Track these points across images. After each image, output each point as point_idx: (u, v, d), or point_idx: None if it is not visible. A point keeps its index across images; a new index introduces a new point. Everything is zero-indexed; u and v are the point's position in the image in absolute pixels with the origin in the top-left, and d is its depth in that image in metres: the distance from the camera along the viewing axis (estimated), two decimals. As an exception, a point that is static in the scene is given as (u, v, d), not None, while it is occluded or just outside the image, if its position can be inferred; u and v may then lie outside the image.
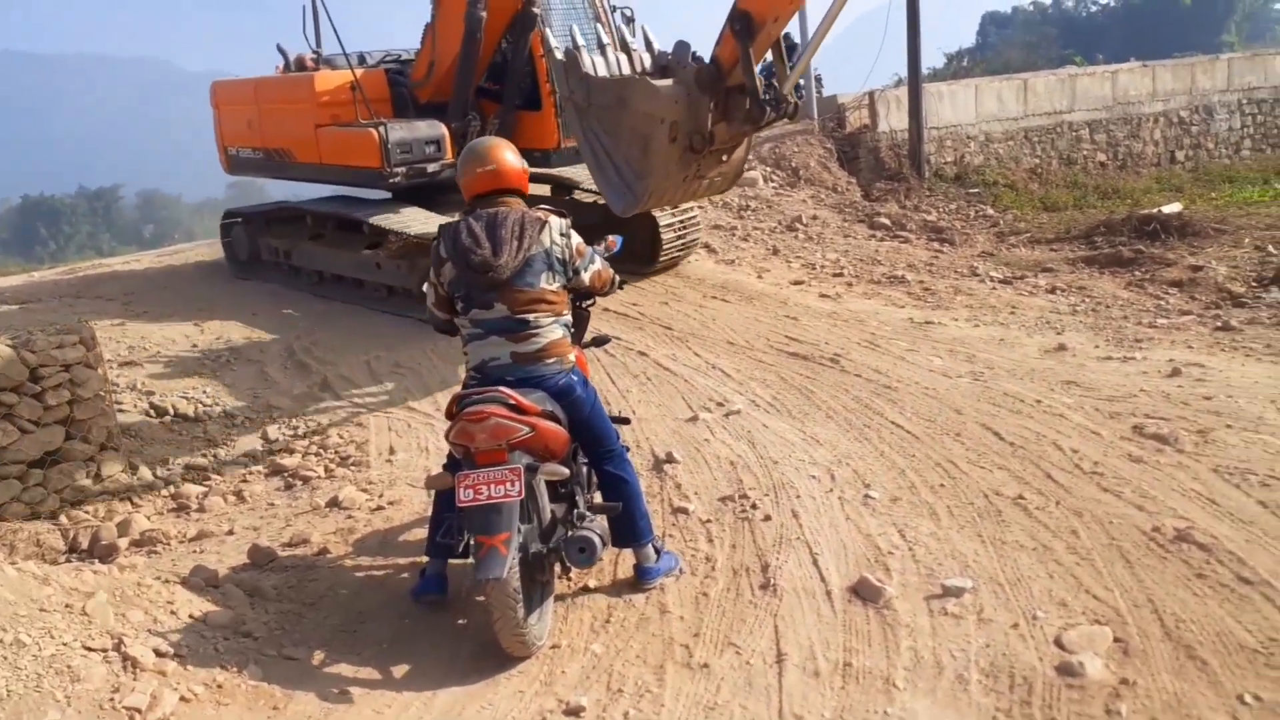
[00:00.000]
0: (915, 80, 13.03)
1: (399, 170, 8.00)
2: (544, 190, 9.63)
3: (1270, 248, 9.03)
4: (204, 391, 6.63)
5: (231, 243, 10.27)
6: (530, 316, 3.70)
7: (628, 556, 4.03)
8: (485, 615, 3.61)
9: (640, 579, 3.93)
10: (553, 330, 3.75)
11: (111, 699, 3.11)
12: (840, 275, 9.23)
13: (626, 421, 4.20)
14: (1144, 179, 14.50)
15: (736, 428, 5.52)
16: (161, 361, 7.18)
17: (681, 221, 8.94)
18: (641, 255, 8.96)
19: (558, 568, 3.75)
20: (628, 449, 4.10)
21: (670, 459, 5.11)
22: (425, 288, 4.00)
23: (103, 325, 7.66)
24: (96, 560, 4.57)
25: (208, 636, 3.56)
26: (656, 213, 8.28)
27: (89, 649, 3.26)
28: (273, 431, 6.09)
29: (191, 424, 6.19)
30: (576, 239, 3.86)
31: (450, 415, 3.61)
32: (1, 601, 3.29)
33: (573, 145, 8.23)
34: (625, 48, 6.44)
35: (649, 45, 6.51)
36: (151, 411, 6.26)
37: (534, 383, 3.67)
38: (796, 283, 8.99)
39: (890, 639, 3.45)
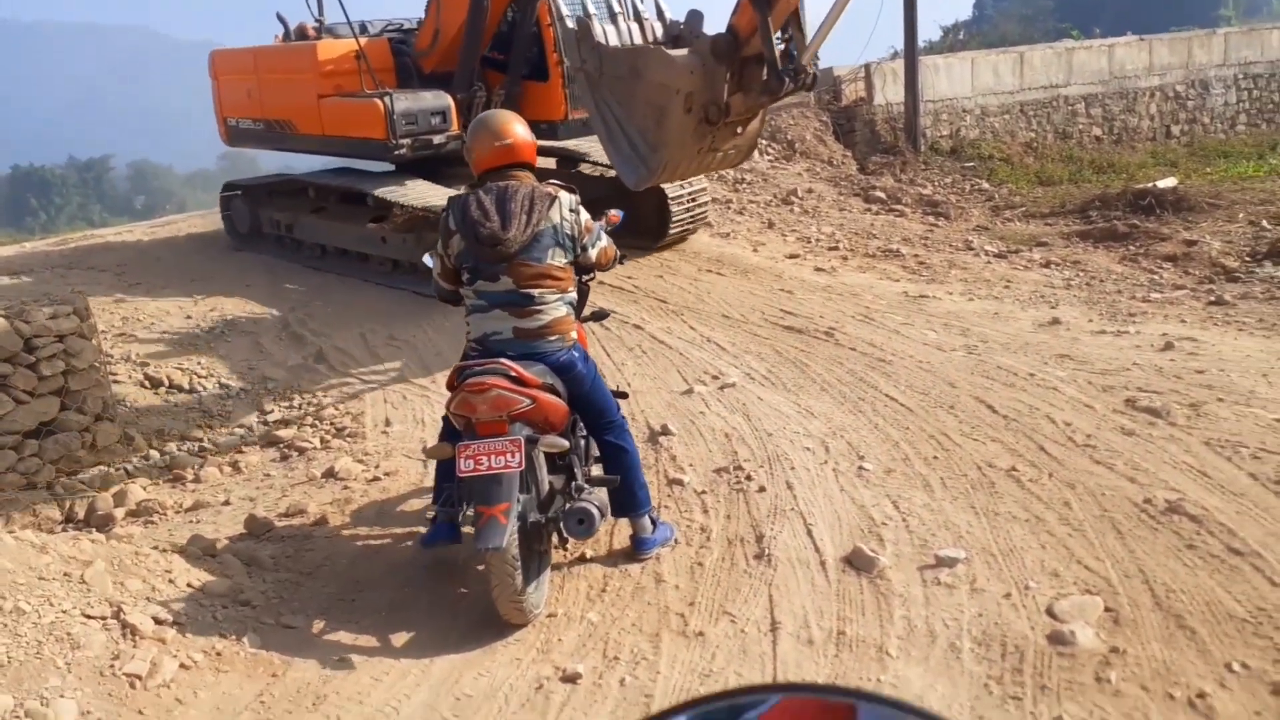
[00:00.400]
0: (911, 53, 12.96)
1: (404, 142, 7.83)
2: (550, 163, 9.53)
3: (1264, 222, 9.04)
4: (199, 363, 6.62)
5: (231, 215, 10.08)
6: (536, 292, 3.70)
7: (624, 527, 4.06)
8: (483, 584, 3.64)
9: (637, 549, 3.96)
10: (557, 307, 3.76)
11: (112, 666, 3.13)
12: (835, 249, 9.22)
13: (624, 396, 4.22)
14: (1139, 153, 14.46)
15: (731, 400, 5.54)
16: (156, 333, 7.16)
17: (690, 195, 8.81)
18: (648, 229, 8.85)
19: (555, 538, 3.78)
20: (628, 419, 4.12)
21: (665, 431, 5.13)
22: (428, 258, 4.01)
23: (96, 296, 7.63)
24: (93, 530, 4.59)
25: (206, 605, 3.59)
26: (665, 186, 8.14)
27: (88, 616, 3.28)
28: (268, 403, 6.09)
29: (186, 395, 6.19)
30: (585, 215, 3.86)
31: (451, 386, 3.62)
32: (0, 570, 3.30)
33: (580, 117, 8.10)
34: (637, 17, 6.39)
35: (660, 14, 6.45)
36: (146, 382, 6.25)
37: (534, 358, 3.68)
38: (792, 256, 8.99)
39: (884, 608, 3.49)
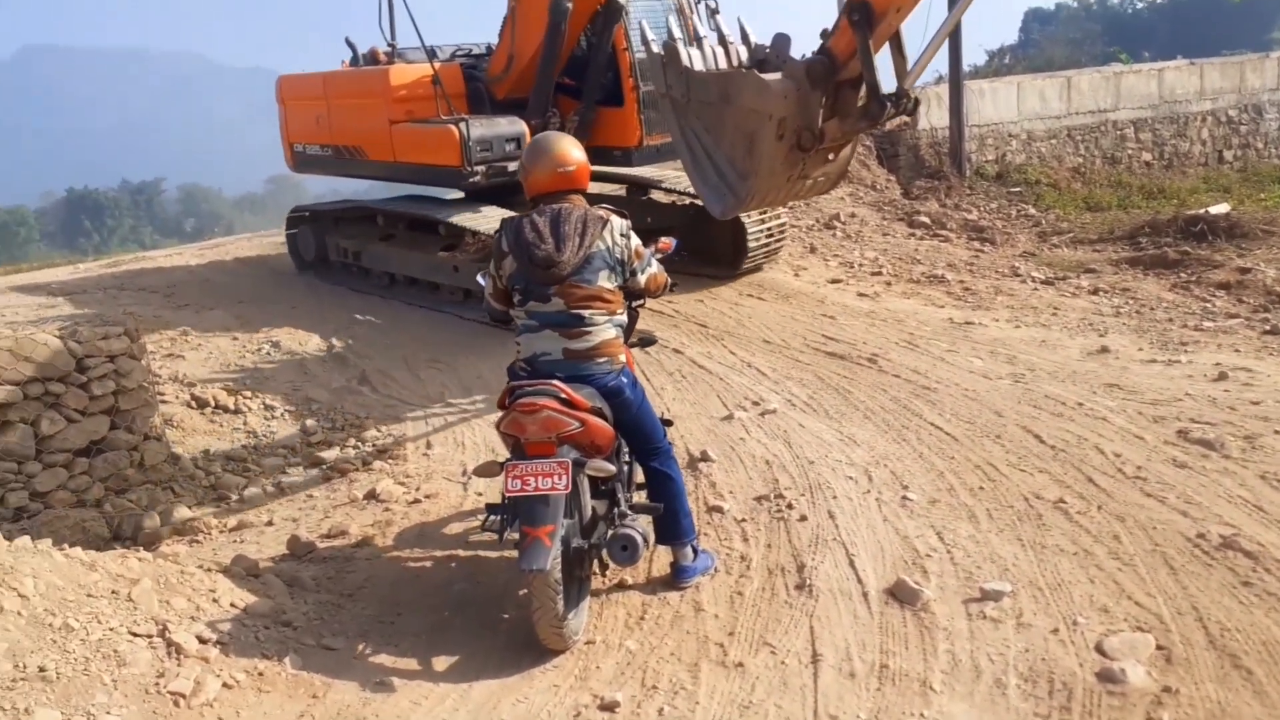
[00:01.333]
0: (956, 77, 12.89)
1: (478, 169, 7.71)
2: (619, 190, 9.48)
3: (1320, 250, 8.83)
4: (244, 384, 6.72)
5: (297, 242, 9.97)
6: (586, 313, 3.72)
7: (663, 554, 4.04)
8: (522, 609, 3.64)
9: (676, 577, 3.93)
10: (606, 329, 3.77)
11: (157, 684, 3.16)
12: (879, 274, 9.16)
13: (670, 424, 4.21)
14: (1190, 179, 14.23)
15: (772, 427, 5.50)
16: (203, 354, 7.28)
17: (768, 225, 8.60)
18: (723, 259, 8.70)
19: (596, 564, 3.77)
20: (673, 445, 4.11)
21: (705, 457, 5.11)
22: (481, 278, 4.04)
23: (146, 318, 7.79)
24: (140, 548, 4.65)
25: (249, 625, 3.61)
26: (741, 215, 7.84)
27: (135, 634, 3.31)
28: (311, 424, 6.15)
29: (232, 415, 6.28)
30: (636, 241, 3.87)
31: (502, 405, 3.64)
32: (50, 586, 3.35)
33: (655, 143, 8.15)
34: (722, 40, 6.18)
35: (745, 38, 6.21)
36: (193, 403, 6.35)
37: (583, 380, 3.69)
38: (834, 281, 8.93)
39: (927, 641, 3.43)
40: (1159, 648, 3.29)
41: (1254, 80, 15.82)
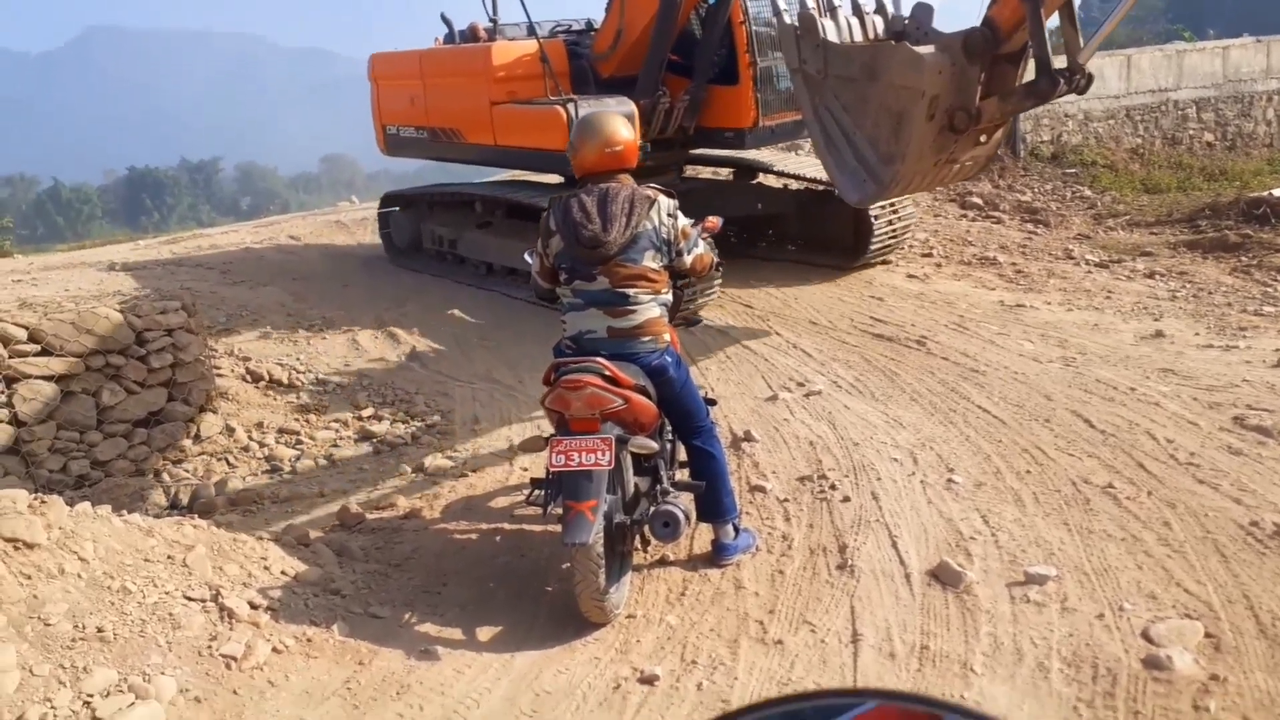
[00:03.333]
0: (1013, 56, 12.64)
1: None
2: (726, 175, 9.31)
3: (1390, 234, 8.55)
4: (297, 359, 6.85)
5: (389, 229, 9.56)
6: (631, 292, 3.74)
7: (704, 531, 4.06)
8: (565, 582, 3.68)
9: (717, 555, 3.95)
10: (650, 308, 3.78)
11: (209, 646, 3.26)
12: (929, 255, 9.04)
13: (714, 403, 4.22)
14: (1254, 160, 13.83)
15: (817, 408, 5.48)
16: (258, 329, 7.43)
17: (893, 212, 7.98)
18: (842, 248, 8.24)
19: (638, 540, 3.80)
20: (716, 425, 4.12)
21: (749, 437, 5.11)
22: (529, 256, 4.08)
23: (202, 293, 7.96)
24: (196, 516, 4.78)
25: (298, 592, 3.70)
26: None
27: (189, 598, 3.42)
28: (362, 399, 6.26)
29: (285, 390, 6.40)
30: (683, 221, 3.87)
31: (547, 381, 3.68)
32: (109, 550, 3.46)
33: (771, 125, 7.66)
34: (857, 10, 5.72)
35: (881, 8, 5.77)
36: (248, 376, 6.48)
37: (628, 358, 3.72)
38: (883, 262, 8.84)
39: (969, 624, 3.41)
40: (1208, 635, 3.24)
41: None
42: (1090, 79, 4.94)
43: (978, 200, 11.09)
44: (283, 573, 3.82)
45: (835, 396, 5.65)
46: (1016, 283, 8.07)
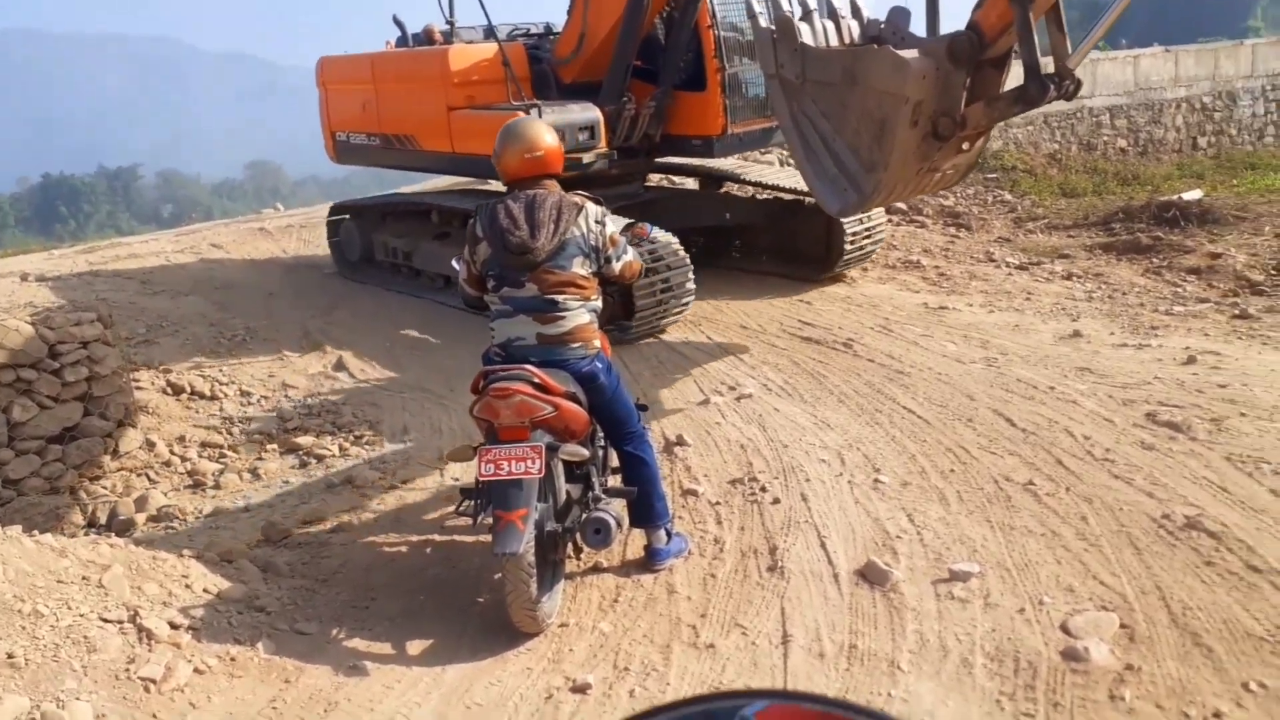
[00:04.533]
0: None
1: None
2: (690, 183, 9.17)
3: (1291, 236, 8.94)
4: (220, 370, 6.69)
5: (339, 240, 9.20)
6: (559, 298, 3.73)
7: (637, 537, 4.06)
8: (496, 592, 3.66)
9: (650, 560, 3.96)
10: (580, 314, 3.78)
11: (127, 669, 3.17)
12: (855, 260, 9.18)
13: (645, 408, 4.23)
14: (1165, 165, 14.36)
15: (747, 411, 5.53)
16: (179, 340, 7.24)
17: (866, 224, 7.85)
18: (810, 259, 8.11)
19: (570, 548, 3.79)
20: (648, 430, 4.13)
21: (681, 441, 5.13)
22: (456, 263, 4.04)
23: (120, 304, 7.74)
24: (114, 534, 4.64)
25: (221, 610, 3.61)
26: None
27: (105, 620, 3.31)
28: (287, 410, 6.14)
29: (207, 401, 6.25)
30: (611, 228, 3.87)
31: (475, 390, 3.65)
32: (20, 572, 3.34)
33: (739, 132, 7.51)
34: (833, 14, 5.58)
35: (857, 11, 5.61)
36: (169, 389, 6.32)
37: (558, 365, 3.71)
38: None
39: (896, 622, 3.47)
40: (1122, 626, 3.34)
41: (1228, 68, 15.95)
42: (1079, 84, 4.84)
43: (901, 205, 11.30)
44: (205, 591, 3.73)
45: (765, 399, 5.70)
46: (940, 285, 8.25)
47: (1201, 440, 4.69)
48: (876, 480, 4.57)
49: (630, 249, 4.03)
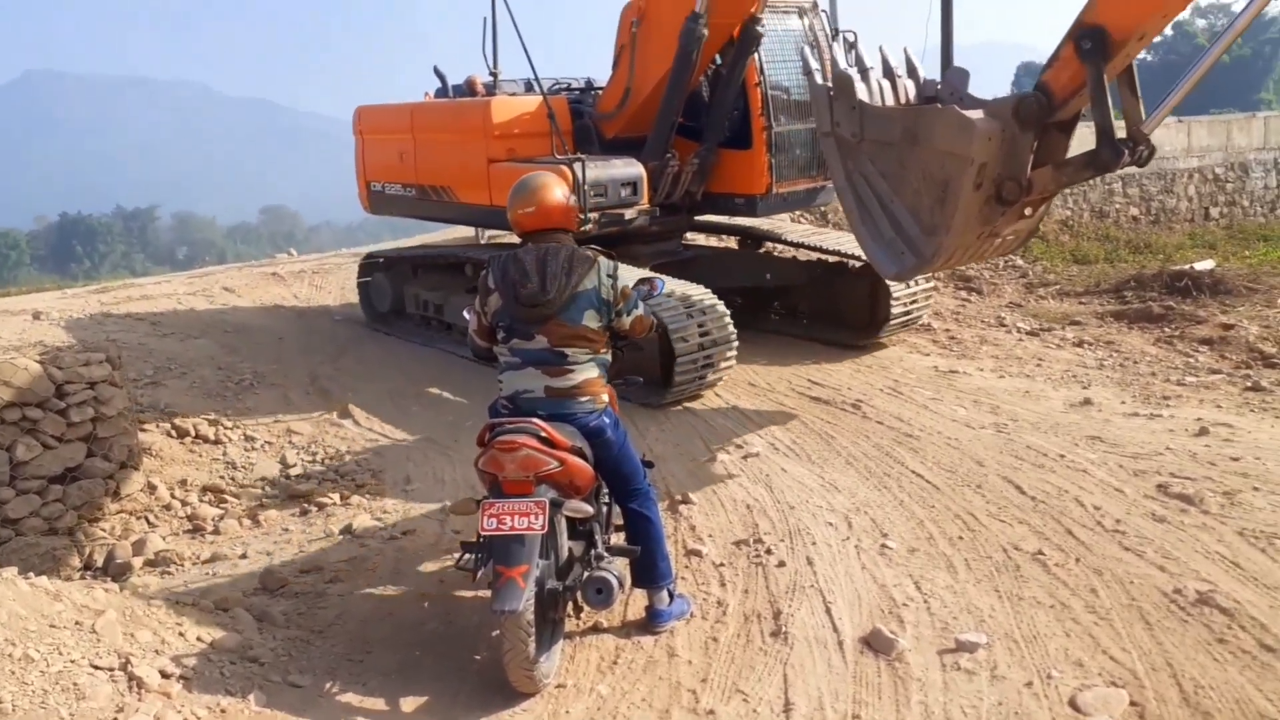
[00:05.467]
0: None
1: (591, 216, 6.79)
2: (732, 243, 9.02)
3: (1303, 308, 8.91)
4: (225, 414, 6.68)
5: (369, 291, 9.07)
6: (569, 351, 3.72)
7: (639, 597, 4.00)
8: (494, 650, 3.59)
9: (652, 621, 3.90)
10: (589, 368, 3.76)
11: (115, 719, 3.10)
12: (865, 320, 9.16)
13: (651, 465, 4.19)
14: (1177, 235, 14.40)
15: (754, 471, 5.48)
16: (186, 382, 7.24)
17: (913, 288, 7.63)
18: (855, 324, 7.89)
19: (570, 606, 3.73)
20: (654, 487, 4.09)
21: (686, 500, 5.08)
22: (467, 313, 4.04)
23: (129, 345, 7.76)
24: (110, 578, 4.60)
25: (214, 660, 3.55)
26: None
27: (96, 667, 3.26)
28: (291, 457, 6.11)
29: (211, 446, 6.23)
30: (623, 282, 3.87)
31: (481, 442, 3.62)
32: (12, 615, 3.30)
33: (784, 192, 7.44)
34: (889, 73, 5.46)
35: (913, 70, 5.49)
36: (173, 432, 6.30)
37: (565, 419, 3.68)
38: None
39: (901, 692, 3.39)
40: (1133, 704, 3.27)
41: (1240, 139, 16.07)
42: (1153, 150, 4.71)
43: (913, 267, 11.32)
44: (198, 639, 3.67)
45: (772, 459, 5.65)
46: (950, 349, 8.22)
47: (1214, 514, 4.62)
48: (884, 545, 4.51)
49: (641, 304, 4.03)
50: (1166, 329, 8.58)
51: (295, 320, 9.33)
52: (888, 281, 7.14)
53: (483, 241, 9.34)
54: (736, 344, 6.70)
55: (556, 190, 3.89)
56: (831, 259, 8.02)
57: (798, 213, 10.15)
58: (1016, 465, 5.38)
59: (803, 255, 8.50)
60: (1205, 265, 10.90)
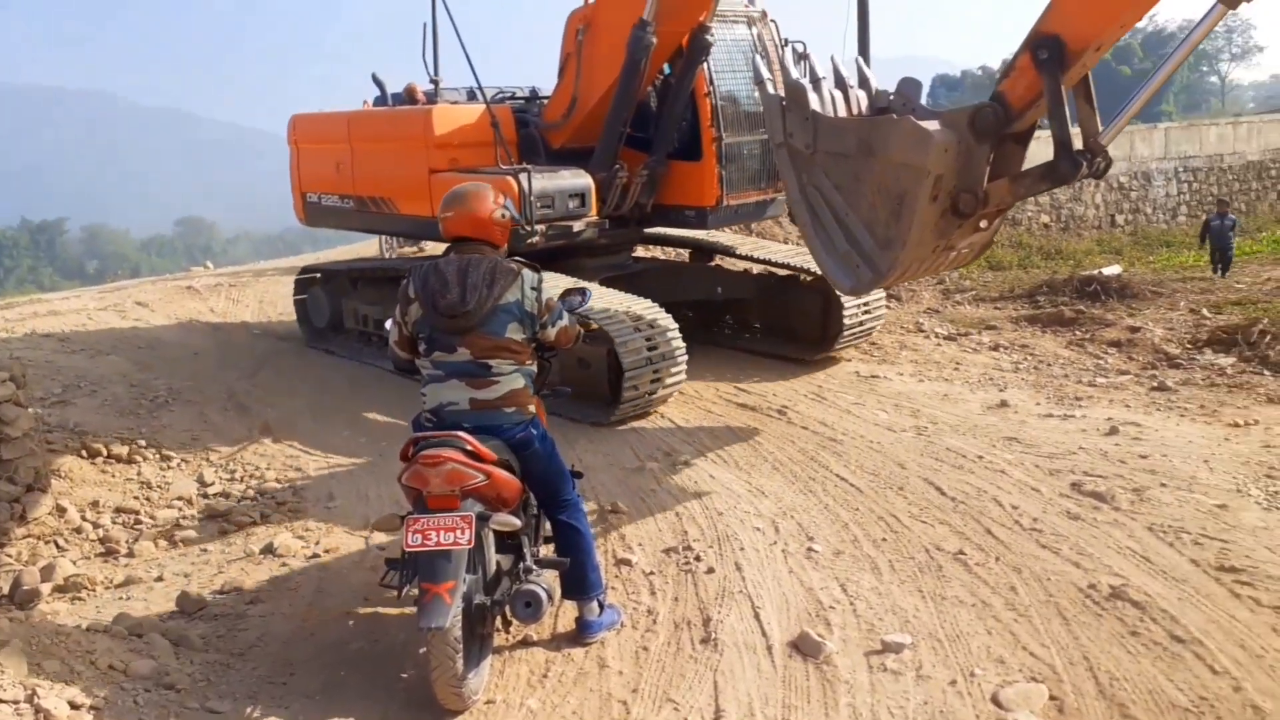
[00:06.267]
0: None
1: (536, 228, 6.61)
2: (681, 256, 8.84)
3: (1204, 311, 9.30)
4: (139, 432, 6.47)
5: (307, 305, 8.77)
6: (493, 362, 3.67)
7: (569, 608, 3.98)
8: (421, 668, 3.53)
9: (582, 632, 3.88)
10: (514, 379, 3.72)
11: (21, 754, 2.97)
12: (789, 328, 9.28)
13: (580, 476, 4.17)
14: (1086, 241, 14.92)
15: (683, 478, 5.51)
16: (97, 401, 7.00)
17: (866, 301, 7.49)
18: (806, 338, 7.79)
19: (499, 621, 3.69)
20: (583, 498, 4.07)
21: (615, 509, 5.08)
22: (388, 324, 3.97)
23: (36, 362, 7.48)
24: (15, 606, 4.40)
25: (127, 689, 3.43)
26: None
27: (0, 701, 3.11)
28: (209, 475, 5.94)
29: (124, 466, 6.02)
30: (547, 294, 3.84)
31: (405, 457, 3.55)
32: (-92, 650, 3.14)
33: (734, 204, 7.29)
34: (841, 84, 5.36)
35: (865, 81, 5.39)
36: (84, 452, 6.07)
37: (491, 431, 3.63)
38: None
39: (829, 695, 3.43)
40: (1052, 698, 3.35)
41: (1143, 149, 16.71)
42: (1110, 162, 4.62)
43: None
44: (111, 667, 3.53)
45: (701, 466, 5.69)
46: (871, 354, 8.37)
47: (1125, 510, 4.79)
48: (810, 549, 4.56)
49: (566, 314, 4.01)
50: (1078, 332, 8.87)
51: (211, 335, 9.10)
52: (840, 295, 7.08)
53: (412, 253, 9.20)
54: (685, 359, 6.58)
55: (485, 201, 3.85)
56: (782, 272, 7.95)
57: (749, 225, 10.05)
58: (937, 467, 5.49)
59: (754, 268, 8.43)
60: (1113, 270, 11.31)
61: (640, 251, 9.11)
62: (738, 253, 8.16)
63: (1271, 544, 4.36)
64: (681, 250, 9.09)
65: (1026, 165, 4.92)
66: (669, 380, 6.51)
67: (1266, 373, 7.21)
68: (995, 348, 8.53)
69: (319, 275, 8.89)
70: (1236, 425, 6.05)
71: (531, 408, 3.81)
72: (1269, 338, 7.72)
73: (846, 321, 7.45)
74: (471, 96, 7.52)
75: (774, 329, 8.15)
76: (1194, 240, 15.15)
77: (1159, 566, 4.20)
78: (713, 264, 8.59)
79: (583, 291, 4.42)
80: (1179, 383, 7.12)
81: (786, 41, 7.35)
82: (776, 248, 8.80)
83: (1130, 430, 5.97)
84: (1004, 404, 6.67)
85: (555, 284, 4.32)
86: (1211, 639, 3.62)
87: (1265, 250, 14.81)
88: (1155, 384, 7.11)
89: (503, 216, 3.86)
